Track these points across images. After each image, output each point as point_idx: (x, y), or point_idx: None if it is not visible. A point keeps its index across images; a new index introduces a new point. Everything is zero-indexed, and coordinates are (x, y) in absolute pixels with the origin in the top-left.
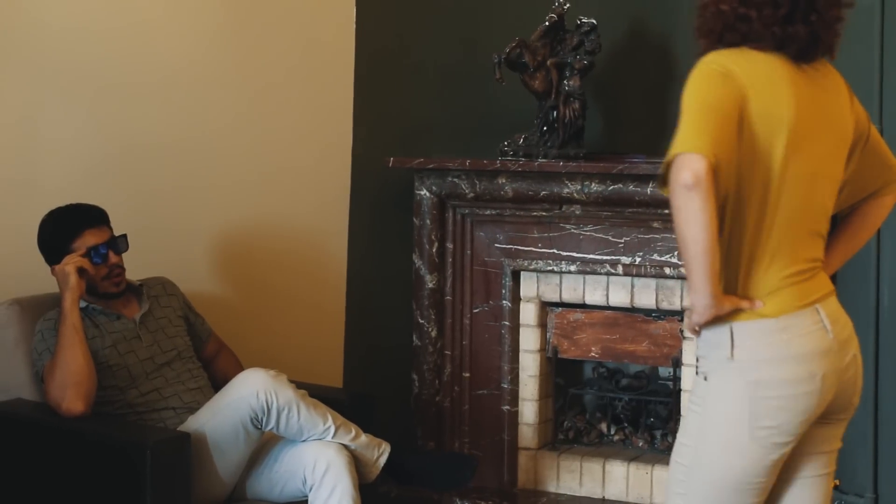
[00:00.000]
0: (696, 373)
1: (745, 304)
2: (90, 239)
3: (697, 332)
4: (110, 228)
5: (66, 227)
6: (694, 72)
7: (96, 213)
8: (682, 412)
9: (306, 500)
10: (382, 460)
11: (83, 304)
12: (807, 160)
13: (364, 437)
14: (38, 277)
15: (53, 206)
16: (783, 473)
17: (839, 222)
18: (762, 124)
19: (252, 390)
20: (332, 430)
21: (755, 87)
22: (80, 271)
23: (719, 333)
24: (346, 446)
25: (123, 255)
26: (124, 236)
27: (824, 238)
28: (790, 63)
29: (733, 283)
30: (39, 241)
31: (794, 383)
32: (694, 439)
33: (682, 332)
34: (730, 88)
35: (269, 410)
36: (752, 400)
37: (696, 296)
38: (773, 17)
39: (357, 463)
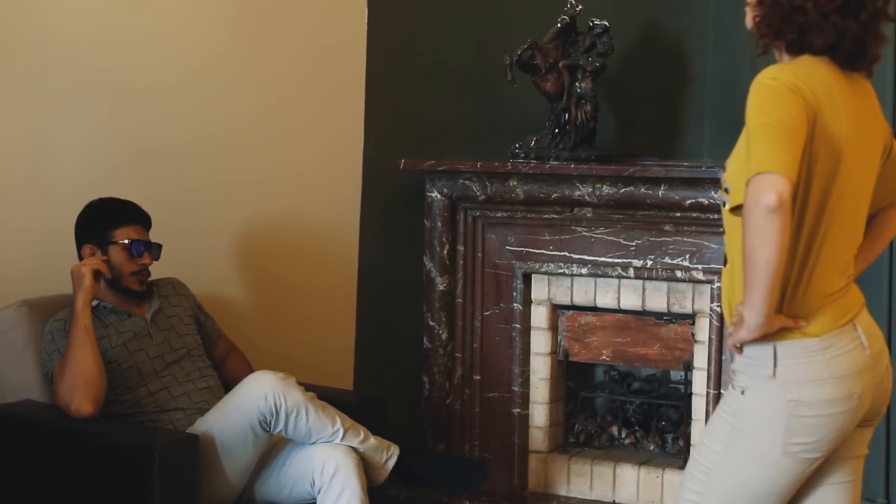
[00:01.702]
0: (732, 385)
1: (790, 322)
2: (133, 233)
3: (739, 350)
4: (148, 234)
5: (114, 213)
6: (758, 87)
7: (145, 215)
8: (694, 415)
9: (315, 503)
10: (391, 463)
11: (94, 302)
12: (856, 177)
13: (373, 440)
14: (47, 279)
15: (66, 210)
16: (807, 480)
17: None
18: (823, 142)
19: (260, 393)
20: (341, 432)
21: (821, 104)
22: (96, 275)
23: (762, 351)
24: (354, 449)
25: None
26: (160, 246)
27: (855, 253)
28: (840, 76)
29: (779, 301)
30: (80, 219)
31: (833, 403)
32: (721, 445)
33: (693, 335)
34: (800, 106)
35: (277, 413)
36: (789, 418)
37: (751, 313)
38: (829, 5)
39: (366, 465)
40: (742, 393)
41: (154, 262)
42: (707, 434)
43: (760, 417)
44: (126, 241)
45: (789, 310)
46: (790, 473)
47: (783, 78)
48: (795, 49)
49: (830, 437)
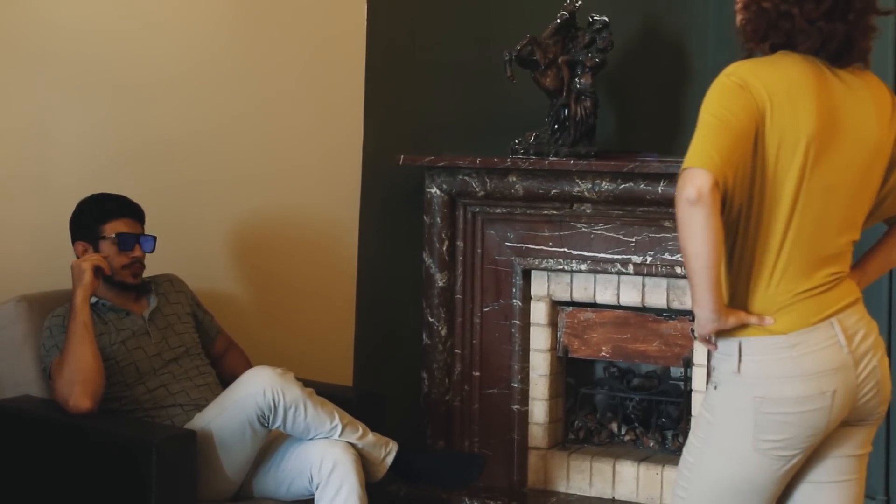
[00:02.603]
0: (709, 380)
1: (752, 319)
2: (122, 226)
3: (712, 345)
4: (142, 226)
5: (103, 209)
6: (714, 84)
7: (135, 208)
8: (694, 412)
9: (313, 499)
10: (389, 459)
11: (93, 300)
12: (826, 173)
13: (371, 436)
14: (46, 274)
15: (65, 205)
16: (793, 476)
17: (883, 233)
18: (779, 138)
19: (259, 388)
20: (339, 428)
21: (774, 100)
22: (96, 271)
23: (728, 346)
24: (353, 445)
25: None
26: (154, 238)
27: (849, 251)
28: (818, 71)
29: (743, 298)
30: (72, 216)
31: (802, 401)
32: (701, 441)
33: (693, 331)
34: (747, 102)
35: (275, 408)
36: (756, 414)
37: (698, 308)
38: (814, 11)
39: (364, 462)
40: (715, 388)
41: (148, 254)
42: (692, 430)
43: (730, 413)
44: (114, 236)
45: (755, 306)
46: (766, 470)
47: (738, 74)
48: (781, 49)
49: (804, 436)
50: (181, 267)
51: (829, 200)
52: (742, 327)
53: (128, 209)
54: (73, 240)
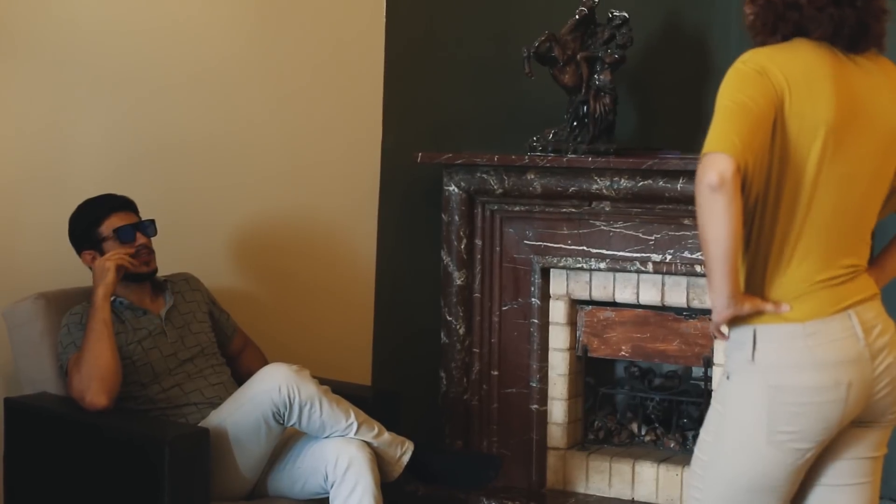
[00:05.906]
0: (723, 372)
1: (768, 306)
2: (116, 221)
3: (723, 335)
4: (137, 215)
5: (92, 212)
6: (730, 71)
7: (122, 199)
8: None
9: (328, 497)
10: (405, 459)
11: (111, 298)
12: (844, 161)
13: (387, 435)
14: (63, 272)
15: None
16: (807, 479)
17: None
18: (798, 124)
19: (274, 385)
20: (355, 426)
21: (792, 86)
22: (119, 269)
23: (742, 334)
24: (368, 443)
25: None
26: (152, 221)
27: (866, 242)
28: (835, 58)
29: (759, 285)
30: (69, 231)
31: (816, 391)
32: (713, 436)
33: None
34: (765, 88)
35: (291, 405)
36: (770, 404)
37: (714, 295)
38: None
39: (380, 461)
40: (728, 378)
41: (152, 236)
42: (704, 427)
43: (743, 403)
44: (112, 233)
45: (771, 293)
46: (780, 464)
47: (755, 60)
48: (788, 38)
49: (818, 428)
50: (199, 266)
51: (846, 189)
52: (757, 314)
53: (116, 203)
54: (78, 251)
